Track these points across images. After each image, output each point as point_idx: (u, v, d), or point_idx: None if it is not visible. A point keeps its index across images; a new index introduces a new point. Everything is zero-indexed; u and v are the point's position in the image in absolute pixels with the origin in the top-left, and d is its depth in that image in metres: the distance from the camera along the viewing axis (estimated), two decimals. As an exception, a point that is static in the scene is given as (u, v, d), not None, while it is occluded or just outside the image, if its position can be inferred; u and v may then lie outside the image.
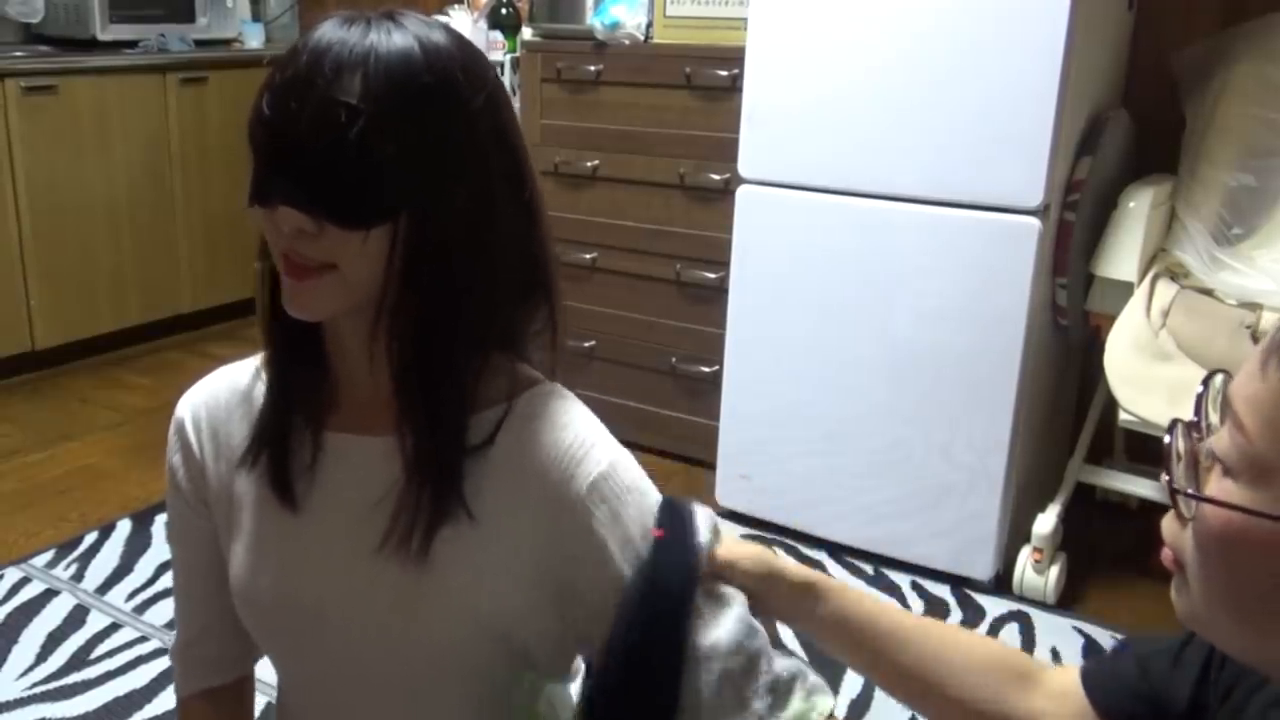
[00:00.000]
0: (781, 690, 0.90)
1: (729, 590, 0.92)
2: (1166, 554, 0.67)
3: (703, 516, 0.93)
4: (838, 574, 2.58)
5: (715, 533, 0.94)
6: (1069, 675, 0.94)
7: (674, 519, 0.92)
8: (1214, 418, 0.66)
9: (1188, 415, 0.68)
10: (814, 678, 0.91)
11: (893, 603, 1.04)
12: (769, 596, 0.94)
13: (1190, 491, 0.63)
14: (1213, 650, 0.83)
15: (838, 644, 0.95)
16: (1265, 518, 0.58)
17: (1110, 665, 0.92)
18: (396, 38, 0.83)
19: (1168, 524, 0.67)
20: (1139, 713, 0.87)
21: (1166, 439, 0.66)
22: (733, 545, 0.95)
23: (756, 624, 0.92)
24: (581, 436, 0.92)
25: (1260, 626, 0.62)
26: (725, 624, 0.90)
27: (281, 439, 0.96)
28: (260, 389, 0.99)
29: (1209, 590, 0.64)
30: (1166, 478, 0.65)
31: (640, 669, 0.87)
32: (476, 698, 0.97)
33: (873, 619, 0.95)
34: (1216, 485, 0.63)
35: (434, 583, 0.90)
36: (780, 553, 0.97)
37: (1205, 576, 0.63)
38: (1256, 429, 0.59)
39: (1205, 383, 0.67)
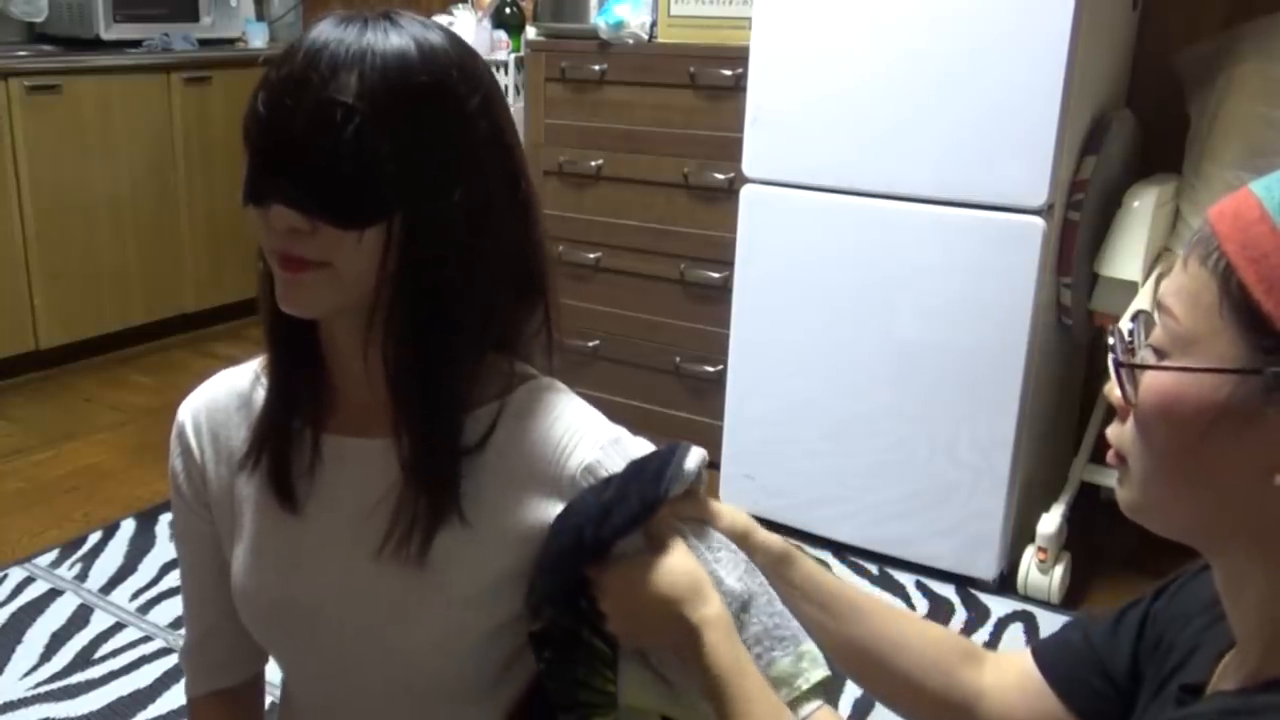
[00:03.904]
0: (770, 644, 0.87)
1: (728, 544, 0.91)
2: (1111, 455, 0.76)
3: (694, 454, 0.90)
4: (843, 574, 2.58)
5: (702, 467, 0.91)
6: (1016, 655, 1.00)
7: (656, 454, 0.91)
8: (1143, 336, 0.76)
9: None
10: (809, 645, 0.88)
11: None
12: (745, 551, 0.96)
13: (1134, 363, 0.74)
14: (1148, 609, 0.90)
15: (804, 609, 0.97)
16: (1191, 371, 0.68)
17: (1059, 637, 0.99)
18: (393, 37, 0.83)
19: (1111, 428, 0.76)
20: (1086, 677, 0.93)
21: (1111, 341, 0.75)
22: (714, 503, 0.95)
23: (754, 568, 0.91)
24: (572, 427, 0.92)
25: (1193, 489, 0.71)
26: (724, 562, 0.89)
27: (281, 441, 0.95)
28: (260, 392, 0.99)
29: (1147, 463, 0.72)
30: (1113, 355, 0.75)
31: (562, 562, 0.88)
32: (478, 695, 0.97)
33: (838, 588, 1.00)
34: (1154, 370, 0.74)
35: (433, 583, 0.91)
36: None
37: (1145, 448, 0.72)
38: (1182, 311, 0.70)
39: (1135, 318, 0.78)
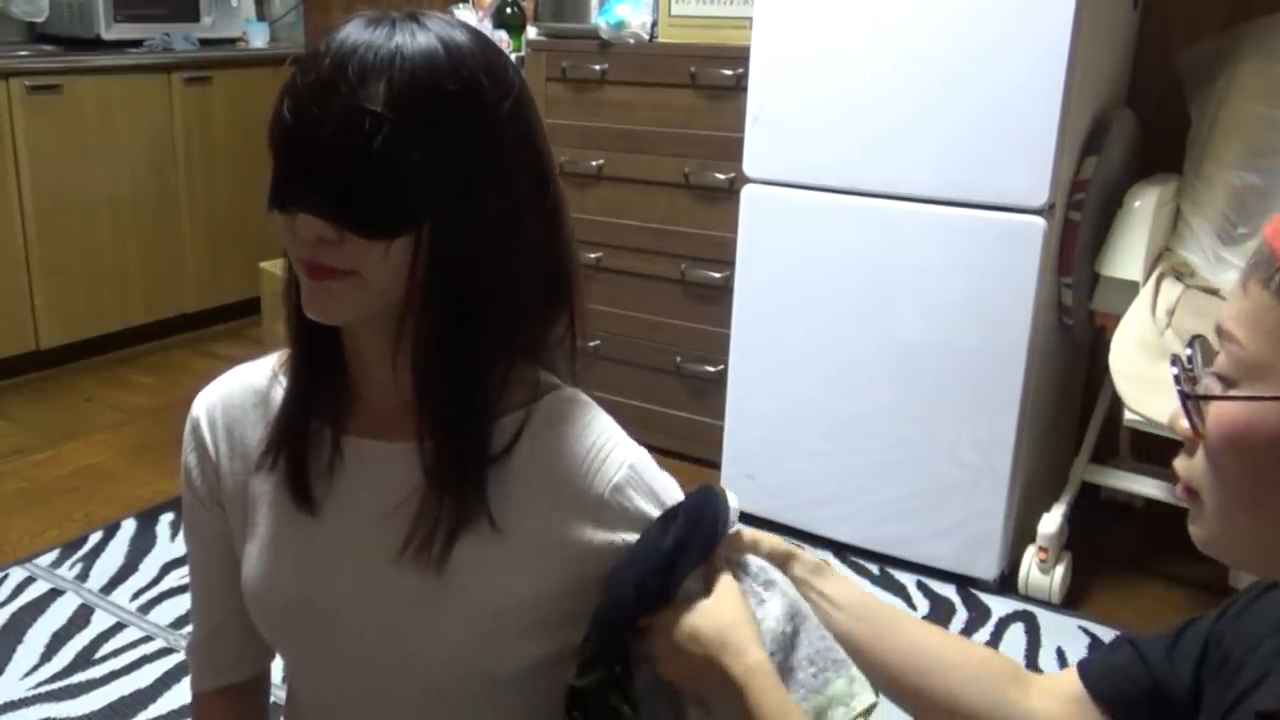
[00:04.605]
0: (824, 665, 0.90)
1: (774, 572, 0.94)
2: (1180, 489, 0.73)
3: (731, 496, 0.95)
4: (843, 574, 2.57)
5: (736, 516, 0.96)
6: (1063, 677, 0.97)
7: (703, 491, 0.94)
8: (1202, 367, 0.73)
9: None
10: (857, 671, 0.91)
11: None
12: (788, 571, 0.98)
13: (1200, 393, 0.70)
14: (1210, 629, 0.87)
15: (841, 621, 0.97)
16: (1263, 400, 0.65)
17: (1109, 657, 0.96)
18: (421, 41, 0.81)
19: (1179, 461, 0.73)
20: (1140, 700, 0.91)
21: (1175, 372, 0.72)
22: (753, 532, 0.98)
23: (803, 602, 0.94)
24: (600, 441, 0.92)
25: (1269, 519, 0.68)
26: (773, 599, 0.92)
27: (299, 442, 0.95)
28: (277, 390, 0.98)
29: (1221, 495, 0.69)
30: (1180, 388, 0.71)
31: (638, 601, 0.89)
32: (491, 700, 0.96)
33: (875, 602, 1.00)
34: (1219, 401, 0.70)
35: (452, 588, 0.90)
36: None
37: (1217, 480, 0.69)
38: (1247, 336, 0.67)
39: (1192, 344, 0.74)
